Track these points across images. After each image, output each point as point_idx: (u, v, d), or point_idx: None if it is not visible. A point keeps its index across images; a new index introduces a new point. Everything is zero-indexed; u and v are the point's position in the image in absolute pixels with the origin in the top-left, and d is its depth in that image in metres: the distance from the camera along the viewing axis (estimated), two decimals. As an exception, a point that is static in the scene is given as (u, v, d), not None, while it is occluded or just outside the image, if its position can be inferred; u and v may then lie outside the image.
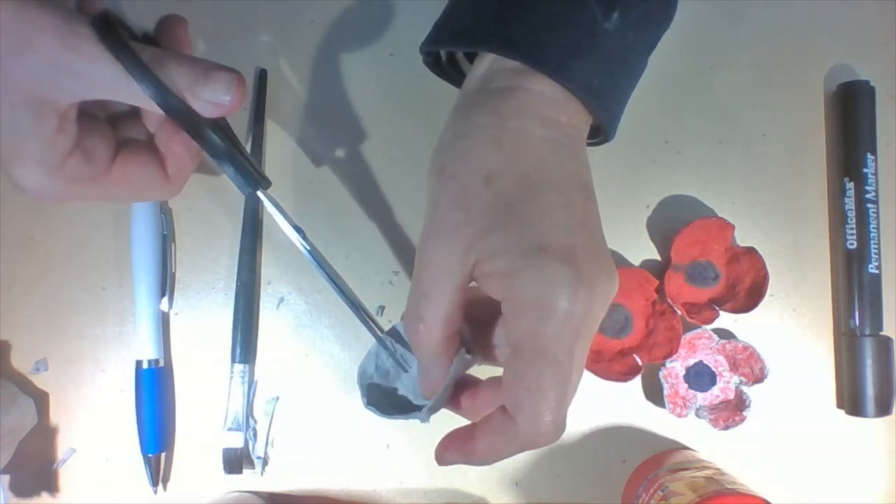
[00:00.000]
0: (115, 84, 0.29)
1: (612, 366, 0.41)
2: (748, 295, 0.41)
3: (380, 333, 0.34)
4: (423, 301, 0.29)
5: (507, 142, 0.28)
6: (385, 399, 0.34)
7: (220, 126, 0.32)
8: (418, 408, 0.32)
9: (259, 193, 0.33)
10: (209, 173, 0.42)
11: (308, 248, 0.34)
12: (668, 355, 0.41)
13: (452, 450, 0.30)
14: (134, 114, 0.35)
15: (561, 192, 0.28)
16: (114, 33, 0.28)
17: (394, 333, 0.35)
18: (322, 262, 0.34)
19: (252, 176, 0.32)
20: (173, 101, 0.29)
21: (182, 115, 0.30)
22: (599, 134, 0.34)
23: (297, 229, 0.34)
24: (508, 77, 0.29)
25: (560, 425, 0.27)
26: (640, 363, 0.41)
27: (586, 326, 0.27)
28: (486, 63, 0.30)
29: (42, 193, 0.31)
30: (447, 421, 0.33)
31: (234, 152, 0.32)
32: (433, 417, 0.32)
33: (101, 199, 0.35)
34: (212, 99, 0.30)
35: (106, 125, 0.33)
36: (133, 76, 0.28)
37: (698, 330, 0.41)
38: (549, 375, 0.26)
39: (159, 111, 0.30)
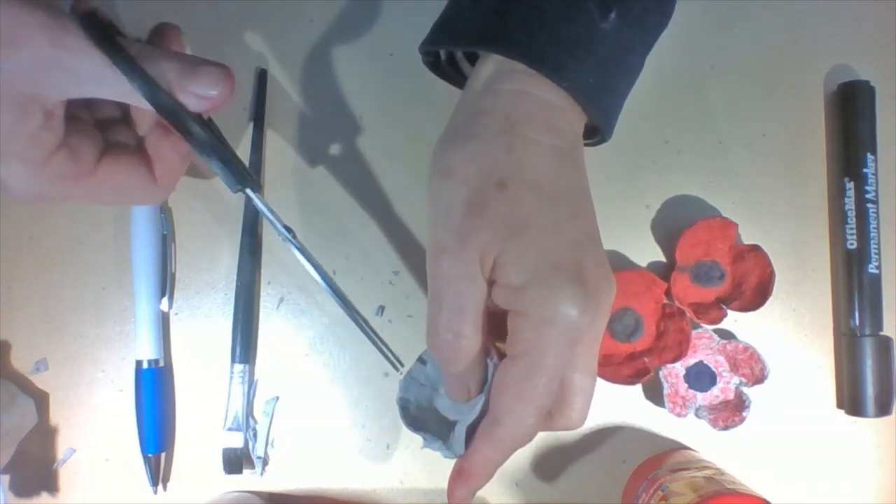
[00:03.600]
0: (102, 79, 0.29)
1: (620, 369, 0.41)
2: (755, 293, 0.41)
3: (382, 342, 0.34)
4: (457, 316, 0.28)
5: (519, 149, 0.28)
6: (421, 421, 0.33)
7: (209, 126, 0.31)
8: (453, 424, 0.32)
9: (248, 192, 0.32)
10: (209, 174, 0.42)
11: (298, 246, 0.33)
12: (678, 358, 0.40)
13: (453, 483, 0.30)
14: (123, 119, 0.34)
15: (569, 202, 0.29)
16: (100, 28, 0.28)
17: (418, 366, 0.34)
18: (314, 261, 0.34)
19: (241, 174, 0.32)
20: (161, 95, 0.29)
21: (170, 111, 0.29)
22: (596, 134, 0.34)
23: (287, 229, 0.33)
24: (515, 80, 0.29)
25: (536, 430, 0.28)
26: (649, 367, 0.40)
27: (592, 333, 0.28)
28: (492, 64, 0.30)
29: (24, 192, 0.30)
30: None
31: (222, 150, 0.31)
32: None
33: (86, 199, 0.34)
34: (200, 92, 0.30)
35: (92, 127, 0.33)
36: (121, 69, 0.28)
37: (699, 330, 0.41)
38: (541, 385, 0.27)
39: (147, 106, 0.29)
